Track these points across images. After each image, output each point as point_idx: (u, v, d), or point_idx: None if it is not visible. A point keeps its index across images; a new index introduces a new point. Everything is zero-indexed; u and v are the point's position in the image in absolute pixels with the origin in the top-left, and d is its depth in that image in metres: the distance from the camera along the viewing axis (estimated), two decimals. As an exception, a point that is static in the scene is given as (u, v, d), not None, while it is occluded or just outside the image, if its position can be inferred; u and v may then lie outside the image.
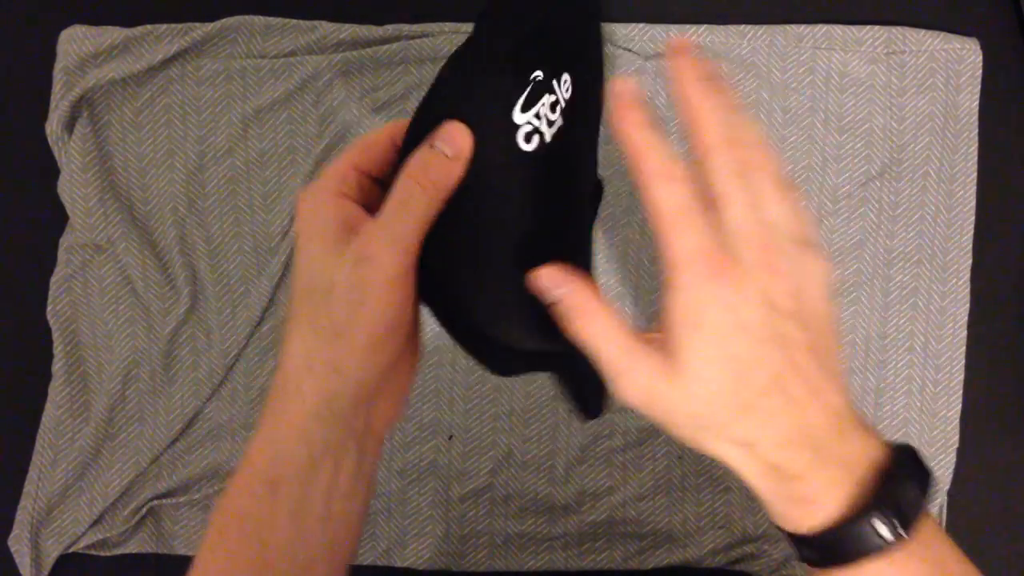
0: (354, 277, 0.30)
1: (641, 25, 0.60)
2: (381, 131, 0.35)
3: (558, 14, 0.35)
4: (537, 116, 0.33)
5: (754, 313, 0.29)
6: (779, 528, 0.32)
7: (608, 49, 0.60)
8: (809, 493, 0.30)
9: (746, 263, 0.29)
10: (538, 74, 0.33)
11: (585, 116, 0.36)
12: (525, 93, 0.33)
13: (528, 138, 0.33)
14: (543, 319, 0.32)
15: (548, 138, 0.33)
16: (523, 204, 0.33)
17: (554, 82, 0.34)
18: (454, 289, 0.33)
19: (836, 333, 0.31)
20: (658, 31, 0.60)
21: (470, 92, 0.32)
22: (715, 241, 0.29)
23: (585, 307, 0.31)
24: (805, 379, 0.29)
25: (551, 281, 0.32)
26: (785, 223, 0.30)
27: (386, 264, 0.30)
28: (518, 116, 0.33)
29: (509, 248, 0.33)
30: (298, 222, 0.33)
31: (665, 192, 0.29)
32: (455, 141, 0.32)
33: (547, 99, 0.33)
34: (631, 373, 0.30)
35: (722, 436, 0.30)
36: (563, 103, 0.34)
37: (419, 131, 0.32)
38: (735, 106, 0.31)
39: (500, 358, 0.36)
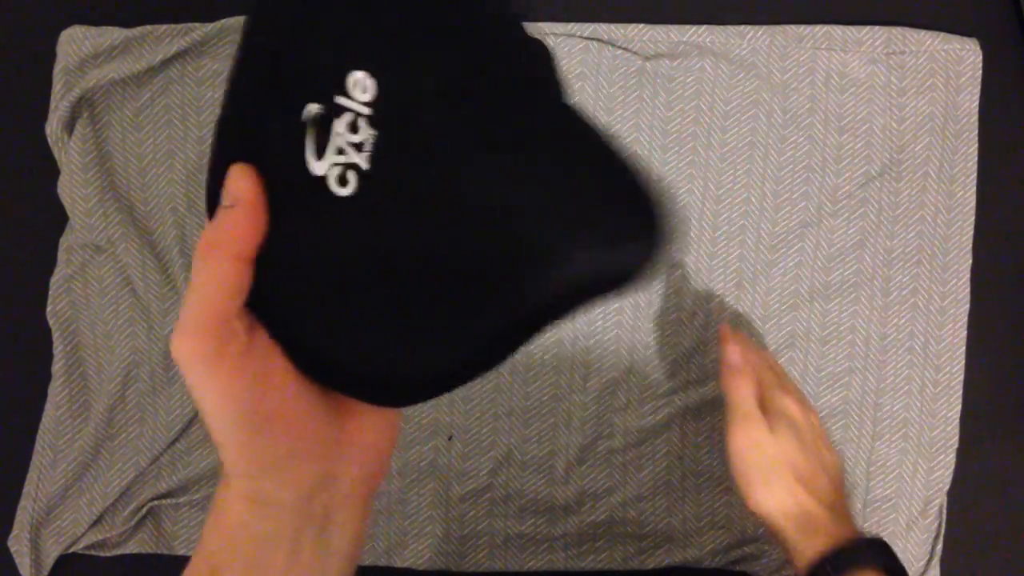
0: (186, 383, 0.27)
1: (641, 25, 0.60)
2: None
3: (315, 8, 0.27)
4: (340, 151, 0.26)
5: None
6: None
7: (608, 50, 0.60)
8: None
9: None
10: (310, 107, 0.26)
11: (428, 94, 0.27)
12: (307, 139, 0.26)
13: (342, 180, 0.26)
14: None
15: (366, 164, 0.26)
16: (373, 244, 0.27)
17: (339, 99, 0.26)
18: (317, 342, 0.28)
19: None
20: (658, 31, 0.60)
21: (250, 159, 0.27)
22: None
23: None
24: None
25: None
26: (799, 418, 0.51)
27: (186, 356, 0.26)
28: (316, 167, 0.26)
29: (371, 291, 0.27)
30: None
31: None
32: (229, 188, 0.27)
33: (340, 125, 0.26)
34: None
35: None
36: (367, 112, 0.26)
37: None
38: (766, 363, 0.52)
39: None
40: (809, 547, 0.46)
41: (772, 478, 0.48)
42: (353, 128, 0.26)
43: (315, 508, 0.29)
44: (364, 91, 0.26)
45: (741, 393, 0.51)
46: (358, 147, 0.26)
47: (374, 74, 0.26)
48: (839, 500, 0.49)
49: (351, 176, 0.26)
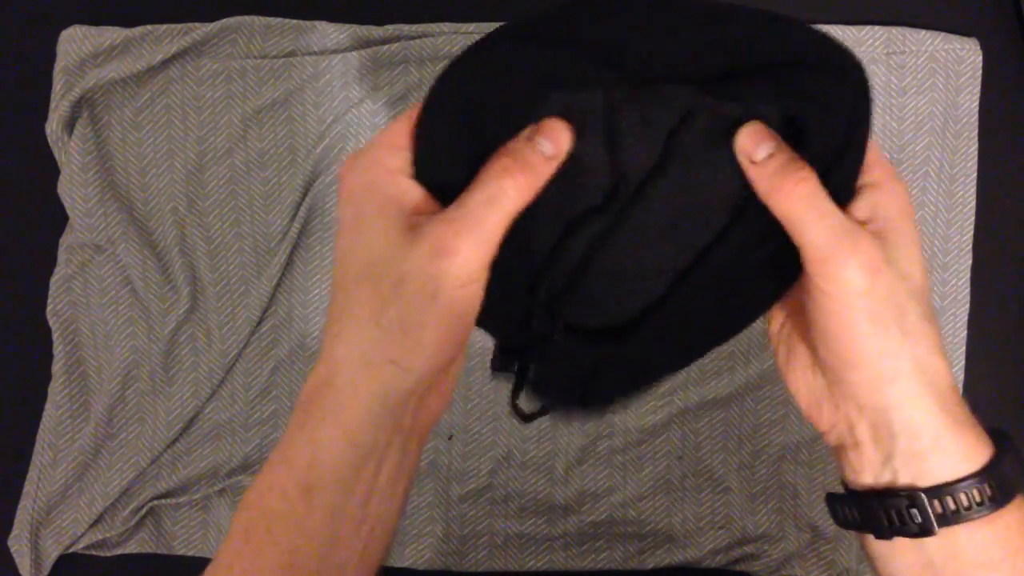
0: (431, 269, 0.28)
1: (641, 25, 0.60)
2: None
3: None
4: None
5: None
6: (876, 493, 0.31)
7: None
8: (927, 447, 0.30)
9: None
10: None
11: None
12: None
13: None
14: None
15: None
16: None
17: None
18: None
19: None
20: (658, 31, 0.60)
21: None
22: None
23: (796, 172, 0.29)
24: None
25: (754, 139, 0.30)
26: None
27: (470, 260, 0.29)
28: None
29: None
30: (346, 197, 0.31)
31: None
32: (558, 141, 0.30)
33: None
34: (853, 256, 0.29)
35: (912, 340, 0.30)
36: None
37: (477, 108, 0.30)
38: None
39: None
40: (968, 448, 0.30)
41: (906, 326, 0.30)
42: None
43: (406, 420, 0.31)
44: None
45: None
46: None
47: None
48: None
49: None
